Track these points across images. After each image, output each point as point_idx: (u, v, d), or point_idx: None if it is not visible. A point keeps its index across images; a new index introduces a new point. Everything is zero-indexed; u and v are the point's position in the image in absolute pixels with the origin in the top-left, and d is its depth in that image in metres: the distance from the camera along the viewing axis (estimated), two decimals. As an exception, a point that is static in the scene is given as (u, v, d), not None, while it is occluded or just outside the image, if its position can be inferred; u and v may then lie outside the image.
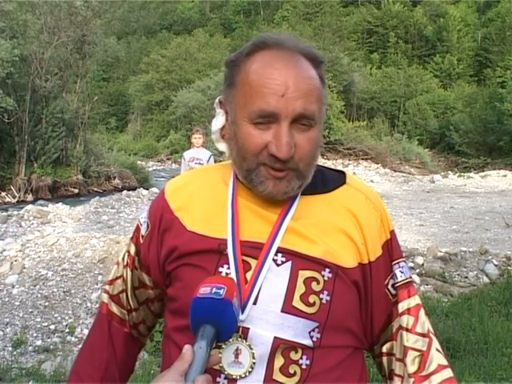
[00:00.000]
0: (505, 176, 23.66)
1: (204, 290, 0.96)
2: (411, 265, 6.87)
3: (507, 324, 5.00)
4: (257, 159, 1.03)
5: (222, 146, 1.18)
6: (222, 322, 0.94)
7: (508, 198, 16.44)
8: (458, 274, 6.93)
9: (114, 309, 1.25)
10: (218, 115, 1.20)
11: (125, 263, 1.24)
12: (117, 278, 1.26)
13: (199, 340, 0.93)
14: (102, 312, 1.26)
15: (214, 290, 0.95)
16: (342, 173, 1.18)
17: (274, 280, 1.03)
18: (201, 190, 1.15)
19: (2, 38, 19.02)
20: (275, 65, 1.03)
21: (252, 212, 1.09)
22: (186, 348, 0.91)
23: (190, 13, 68.18)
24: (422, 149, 33.49)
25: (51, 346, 5.15)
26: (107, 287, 1.28)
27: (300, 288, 1.02)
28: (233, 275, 1.03)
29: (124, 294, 1.24)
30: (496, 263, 7.18)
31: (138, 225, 1.23)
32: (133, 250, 1.23)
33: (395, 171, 28.56)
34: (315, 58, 1.08)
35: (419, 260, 7.13)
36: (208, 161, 8.00)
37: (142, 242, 1.19)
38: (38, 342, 5.22)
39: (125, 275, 1.24)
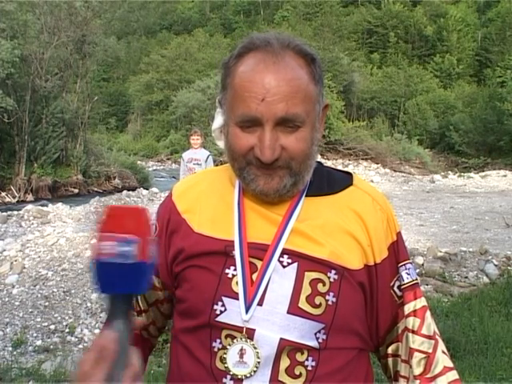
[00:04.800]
0: (505, 176, 23.63)
1: (106, 248, 0.73)
2: (411, 265, 6.85)
3: (507, 324, 5.00)
4: (245, 159, 1.04)
5: (222, 144, 1.20)
6: (135, 290, 0.77)
7: (508, 198, 16.42)
8: (458, 274, 6.93)
9: None
10: (217, 114, 1.22)
11: None
12: None
13: (114, 319, 0.76)
14: None
15: (121, 248, 0.72)
16: (349, 174, 1.17)
17: (280, 281, 1.03)
18: (208, 192, 1.16)
19: (2, 38, 19.03)
20: (257, 67, 1.02)
21: (258, 213, 1.09)
22: (106, 339, 0.76)
23: (190, 13, 68.22)
24: (421, 149, 33.49)
25: (51, 346, 5.15)
26: None
27: (306, 289, 1.02)
28: (239, 277, 1.03)
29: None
30: (496, 263, 7.17)
31: None
32: None
33: (395, 171, 28.54)
34: (306, 55, 1.06)
35: (419, 260, 7.12)
36: (206, 161, 8.02)
37: None
38: (38, 342, 5.22)
39: None
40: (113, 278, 0.73)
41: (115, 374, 0.72)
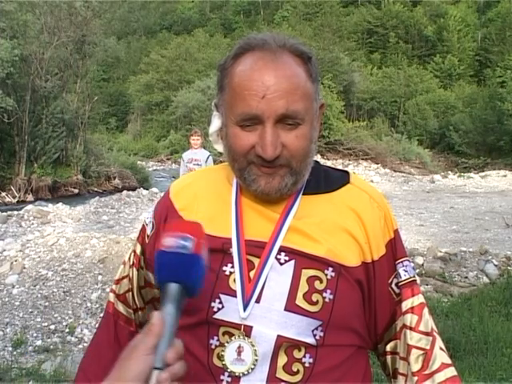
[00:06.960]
0: (505, 176, 23.68)
1: (168, 242, 0.86)
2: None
3: (507, 324, 5.01)
4: (246, 159, 1.05)
5: (220, 147, 1.19)
6: (190, 280, 0.86)
7: (508, 198, 16.45)
8: (458, 274, 6.93)
9: (121, 308, 1.26)
10: (214, 118, 1.21)
11: (131, 263, 1.25)
12: (123, 278, 1.27)
13: (167, 303, 0.84)
14: (109, 311, 1.27)
15: (181, 242, 0.85)
16: (346, 172, 1.18)
17: (277, 279, 1.03)
18: (205, 190, 1.16)
19: (2, 37, 19.04)
20: (256, 66, 1.03)
21: (255, 211, 1.09)
22: (156, 318, 0.84)
23: (190, 13, 68.22)
24: (421, 149, 33.51)
25: (51, 346, 5.15)
26: (114, 287, 1.29)
27: (303, 287, 1.03)
28: (237, 274, 1.04)
29: (130, 293, 1.25)
30: (496, 263, 7.17)
31: (143, 225, 1.24)
32: (139, 249, 1.23)
33: (395, 171, 28.56)
34: (303, 54, 1.06)
35: (419, 260, 7.13)
36: (206, 161, 8.03)
37: (147, 241, 1.20)
38: (38, 342, 5.22)
39: (131, 275, 1.25)
40: (170, 266, 0.84)
41: (160, 349, 0.80)
